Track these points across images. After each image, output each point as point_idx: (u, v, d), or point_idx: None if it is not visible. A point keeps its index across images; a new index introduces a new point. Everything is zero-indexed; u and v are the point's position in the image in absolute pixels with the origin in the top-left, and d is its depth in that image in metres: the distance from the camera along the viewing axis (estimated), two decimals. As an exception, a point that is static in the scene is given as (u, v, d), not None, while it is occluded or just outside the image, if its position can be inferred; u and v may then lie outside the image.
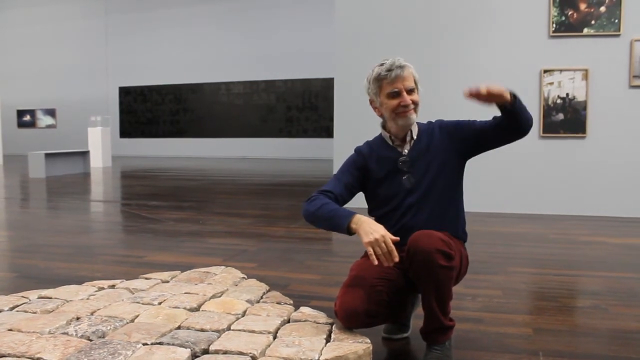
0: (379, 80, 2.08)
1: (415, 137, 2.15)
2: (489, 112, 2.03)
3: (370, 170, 2.17)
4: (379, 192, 2.17)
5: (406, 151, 2.14)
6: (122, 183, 9.91)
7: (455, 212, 2.15)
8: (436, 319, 1.90)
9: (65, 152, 12.01)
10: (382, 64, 2.07)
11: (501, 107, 1.96)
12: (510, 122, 1.99)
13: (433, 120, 2.23)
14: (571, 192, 5.77)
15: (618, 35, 5.57)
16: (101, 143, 14.46)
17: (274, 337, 1.99)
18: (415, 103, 2.08)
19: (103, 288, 2.64)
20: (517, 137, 2.05)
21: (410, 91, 2.06)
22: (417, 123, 2.18)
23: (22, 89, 22.90)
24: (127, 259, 3.72)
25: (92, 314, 2.22)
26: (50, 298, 2.45)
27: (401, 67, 2.05)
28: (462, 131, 2.13)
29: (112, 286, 2.68)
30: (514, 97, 1.92)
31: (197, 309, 2.30)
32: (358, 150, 2.24)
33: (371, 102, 2.16)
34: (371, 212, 2.23)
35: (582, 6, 5.62)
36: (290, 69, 19.63)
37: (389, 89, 2.06)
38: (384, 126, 2.20)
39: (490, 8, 5.88)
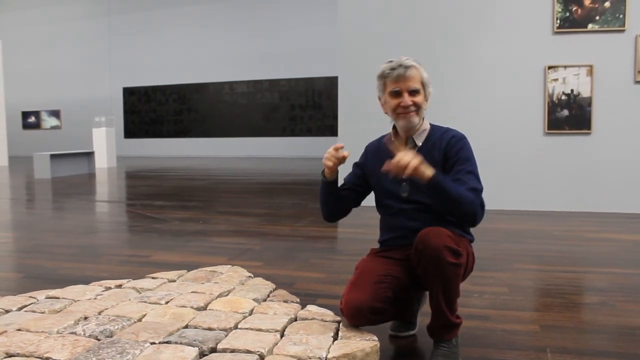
0: (383, 78, 2.07)
1: (420, 144, 2.09)
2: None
3: (369, 168, 2.21)
4: (379, 187, 2.19)
5: None
6: (127, 183, 9.94)
7: (454, 219, 2.07)
8: (443, 316, 1.90)
9: (70, 153, 12.05)
10: (389, 62, 2.05)
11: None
12: (446, 210, 1.93)
13: (451, 128, 2.13)
14: (577, 189, 5.76)
15: (623, 31, 5.54)
16: (106, 143, 14.49)
17: (281, 336, 2.00)
18: (417, 105, 2.03)
19: (110, 288, 2.65)
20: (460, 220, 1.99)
21: (413, 92, 2.02)
22: (433, 126, 2.14)
23: (26, 90, 22.97)
24: (133, 259, 3.73)
25: (99, 313, 2.23)
26: (58, 298, 2.46)
27: (406, 67, 2.00)
28: (447, 172, 2.03)
29: (119, 286, 2.69)
30: (435, 176, 1.84)
31: (204, 308, 2.31)
32: (366, 147, 2.29)
33: (379, 98, 2.15)
34: (376, 201, 2.24)
35: (587, 2, 5.60)
36: (294, 67, 19.62)
37: (391, 88, 2.04)
38: (394, 127, 2.18)
39: (494, 4, 5.86)
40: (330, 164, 2.08)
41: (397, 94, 2.03)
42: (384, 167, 1.86)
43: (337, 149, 2.06)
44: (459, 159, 2.01)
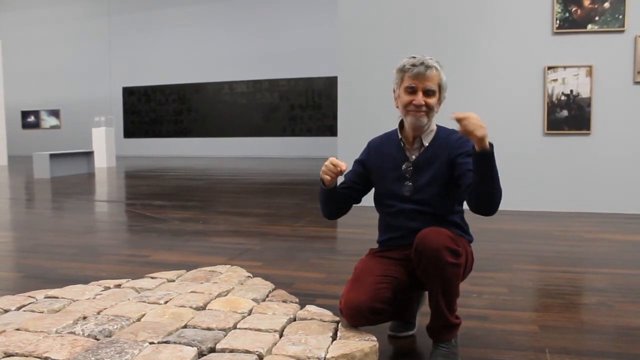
0: (402, 72, 2.06)
1: (427, 144, 2.10)
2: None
3: (372, 164, 2.20)
4: (380, 184, 2.19)
5: (413, 157, 2.11)
6: (127, 183, 9.94)
7: (453, 220, 2.11)
8: (443, 317, 1.90)
9: (69, 152, 12.05)
10: (412, 57, 2.05)
11: (476, 154, 1.80)
12: (480, 187, 1.85)
13: (457, 130, 2.09)
14: (576, 189, 5.76)
15: (622, 31, 5.55)
16: (105, 143, 14.49)
17: (280, 336, 2.00)
18: (429, 106, 2.02)
19: (109, 287, 2.65)
20: (478, 210, 1.93)
21: (428, 93, 2.01)
22: (439, 127, 2.14)
23: (26, 90, 22.98)
24: (132, 259, 3.73)
25: (98, 313, 2.23)
26: (57, 298, 2.46)
27: (427, 66, 2.00)
28: (457, 166, 2.02)
29: (118, 285, 2.69)
30: (491, 150, 1.79)
31: (203, 308, 2.31)
32: (369, 143, 2.28)
33: (393, 91, 2.15)
34: (375, 198, 2.24)
35: (586, 2, 5.60)
36: (294, 67, 19.62)
37: (407, 83, 2.03)
38: (401, 125, 2.17)
39: (494, 5, 5.87)
40: (328, 177, 2.07)
41: (412, 90, 2.03)
42: (456, 113, 1.73)
43: (334, 164, 2.04)
44: (469, 153, 1.98)
